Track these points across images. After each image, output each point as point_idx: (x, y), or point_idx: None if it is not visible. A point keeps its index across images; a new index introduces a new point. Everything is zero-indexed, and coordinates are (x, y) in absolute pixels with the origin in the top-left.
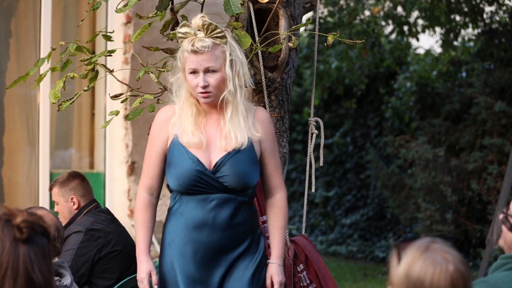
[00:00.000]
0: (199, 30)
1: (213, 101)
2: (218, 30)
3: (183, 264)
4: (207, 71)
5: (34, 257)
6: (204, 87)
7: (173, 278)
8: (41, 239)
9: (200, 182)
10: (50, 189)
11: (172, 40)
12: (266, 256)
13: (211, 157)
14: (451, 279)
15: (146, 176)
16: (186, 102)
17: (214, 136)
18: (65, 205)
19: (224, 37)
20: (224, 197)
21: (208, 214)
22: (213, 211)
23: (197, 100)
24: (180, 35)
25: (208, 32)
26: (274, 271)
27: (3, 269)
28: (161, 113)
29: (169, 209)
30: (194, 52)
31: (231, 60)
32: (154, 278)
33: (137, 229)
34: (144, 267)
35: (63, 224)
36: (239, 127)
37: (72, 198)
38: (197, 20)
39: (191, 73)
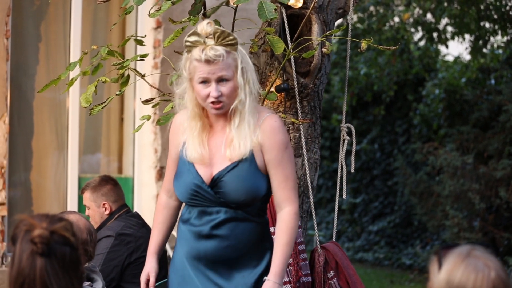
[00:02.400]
0: (207, 37)
1: (224, 111)
2: (230, 37)
3: (185, 266)
4: (220, 80)
5: (51, 270)
6: (217, 96)
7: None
8: (61, 248)
9: (197, 196)
10: (82, 192)
11: None
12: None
13: (212, 170)
14: (493, 285)
15: (166, 179)
16: (191, 112)
17: (219, 146)
18: (96, 210)
19: (235, 44)
20: (222, 211)
21: (205, 226)
22: (210, 224)
23: (202, 110)
24: (188, 43)
25: (219, 40)
26: None
27: (20, 280)
28: (174, 119)
29: (181, 214)
30: (207, 61)
31: (242, 68)
32: (152, 280)
33: (152, 230)
34: (145, 268)
35: None
36: (243, 136)
37: (104, 204)
38: (204, 26)
39: (201, 82)
